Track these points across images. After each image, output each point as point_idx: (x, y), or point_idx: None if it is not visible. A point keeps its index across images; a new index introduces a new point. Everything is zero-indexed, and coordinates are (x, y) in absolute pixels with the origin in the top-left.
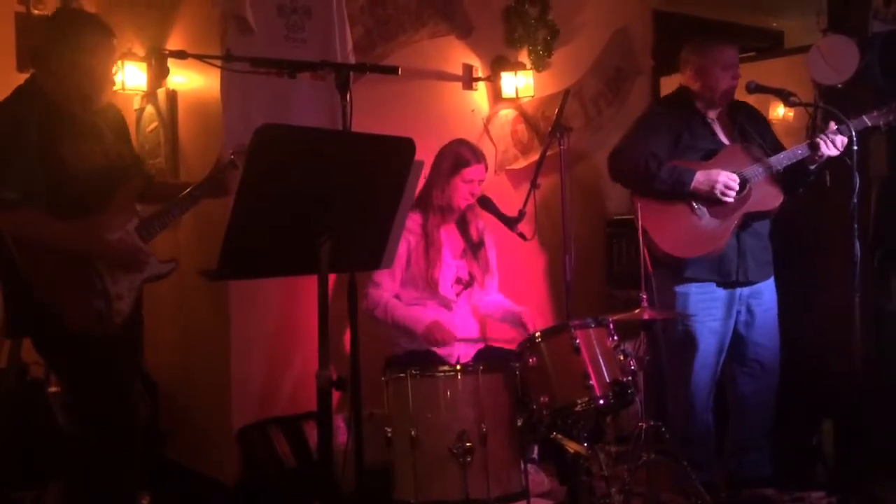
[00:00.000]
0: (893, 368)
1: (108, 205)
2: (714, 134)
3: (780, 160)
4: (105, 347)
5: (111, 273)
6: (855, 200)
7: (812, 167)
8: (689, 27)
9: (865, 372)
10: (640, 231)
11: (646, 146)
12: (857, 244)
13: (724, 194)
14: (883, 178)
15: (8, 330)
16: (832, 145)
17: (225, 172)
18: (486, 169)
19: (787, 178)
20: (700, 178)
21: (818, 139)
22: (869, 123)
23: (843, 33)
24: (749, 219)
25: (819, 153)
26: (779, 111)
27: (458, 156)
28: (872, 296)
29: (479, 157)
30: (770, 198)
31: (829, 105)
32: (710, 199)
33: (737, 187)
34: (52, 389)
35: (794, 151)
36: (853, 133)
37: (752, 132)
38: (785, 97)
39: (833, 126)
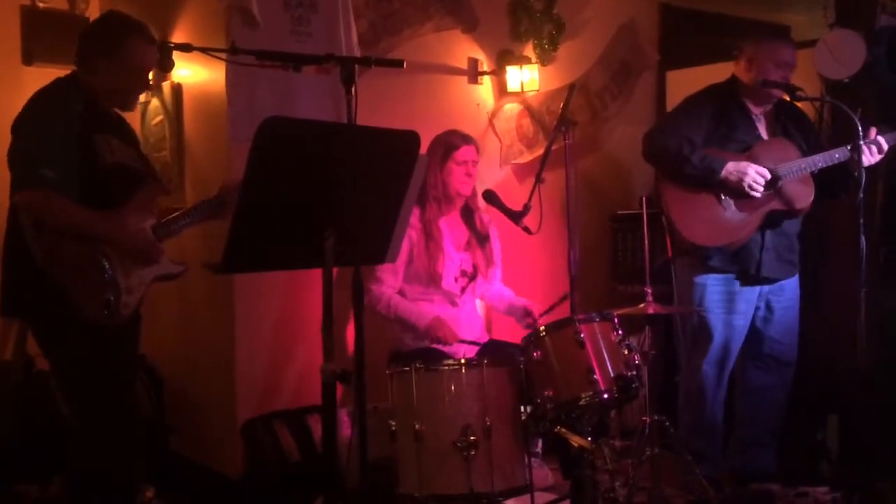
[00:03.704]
0: None
1: (130, 200)
2: (755, 129)
3: (815, 161)
4: (110, 339)
5: (123, 266)
6: (861, 196)
7: (855, 173)
8: (696, 21)
9: (870, 368)
10: (644, 221)
11: (682, 130)
12: (863, 240)
13: (751, 188)
14: (888, 175)
15: (6, 308)
16: (873, 152)
17: (229, 196)
18: (478, 150)
19: (828, 183)
20: (730, 167)
21: (858, 144)
22: None
23: (849, 27)
24: (777, 216)
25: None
26: (800, 109)
27: (447, 142)
28: (878, 292)
29: (467, 139)
30: (800, 198)
31: (835, 99)
32: (738, 192)
33: (764, 182)
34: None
35: (832, 154)
36: (860, 129)
37: (796, 133)
38: (791, 91)
39: (873, 132)
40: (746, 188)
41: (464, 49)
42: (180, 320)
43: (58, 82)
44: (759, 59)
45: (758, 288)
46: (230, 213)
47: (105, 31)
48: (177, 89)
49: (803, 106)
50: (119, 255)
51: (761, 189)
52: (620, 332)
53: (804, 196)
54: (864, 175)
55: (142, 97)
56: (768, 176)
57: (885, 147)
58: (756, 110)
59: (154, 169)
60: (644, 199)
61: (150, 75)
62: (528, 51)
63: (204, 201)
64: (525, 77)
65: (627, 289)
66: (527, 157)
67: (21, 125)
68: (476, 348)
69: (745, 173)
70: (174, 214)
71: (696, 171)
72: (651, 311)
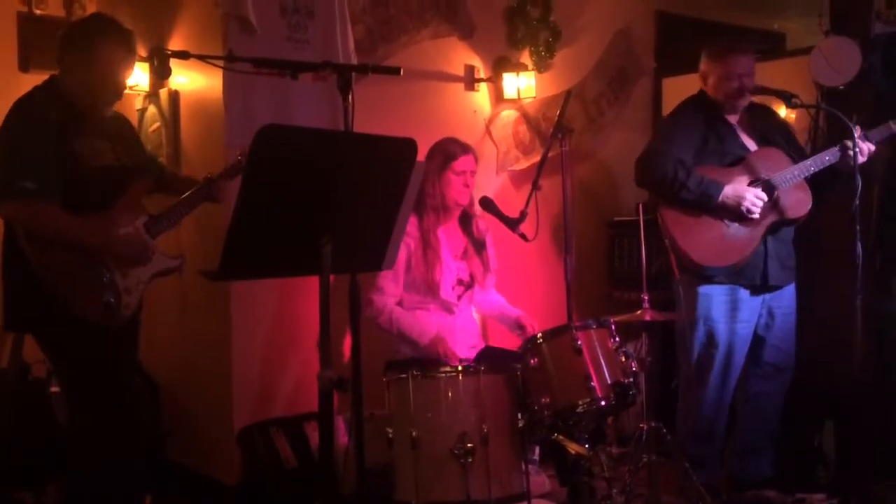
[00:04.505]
0: (894, 370)
1: (118, 201)
2: (737, 138)
3: (807, 166)
4: (110, 341)
5: (119, 267)
6: (857, 202)
7: (840, 174)
8: (692, 28)
9: (866, 374)
10: (642, 232)
11: (674, 152)
12: (859, 246)
13: (750, 211)
14: (884, 181)
15: (8, 323)
16: (859, 152)
17: (218, 182)
18: (476, 160)
19: (818, 185)
20: (728, 192)
21: (847, 143)
22: (895, 130)
23: (845, 35)
24: (776, 225)
25: (848, 158)
26: (781, 113)
27: (446, 151)
28: (874, 298)
29: (466, 148)
30: (798, 206)
31: (831, 107)
32: (737, 215)
33: (762, 204)
34: (54, 389)
35: (822, 157)
36: (855, 134)
37: (775, 136)
38: (787, 99)
39: (857, 131)
40: (745, 211)
41: (460, 56)
42: (177, 327)
43: (34, 91)
44: (711, 72)
45: (761, 296)
46: (221, 197)
47: (83, 29)
48: (174, 96)
49: (799, 113)
50: (113, 256)
51: (759, 211)
52: (617, 338)
53: (802, 203)
54: (860, 181)
55: (138, 104)
56: (765, 198)
57: (873, 147)
58: (732, 119)
59: (146, 162)
60: (640, 205)
61: (147, 82)
62: (525, 58)
63: (192, 191)
64: (521, 84)
65: (624, 295)
66: (523, 164)
67: (0, 138)
68: (474, 354)
69: (744, 197)
70: (166, 208)
71: (693, 196)
72: (648, 317)
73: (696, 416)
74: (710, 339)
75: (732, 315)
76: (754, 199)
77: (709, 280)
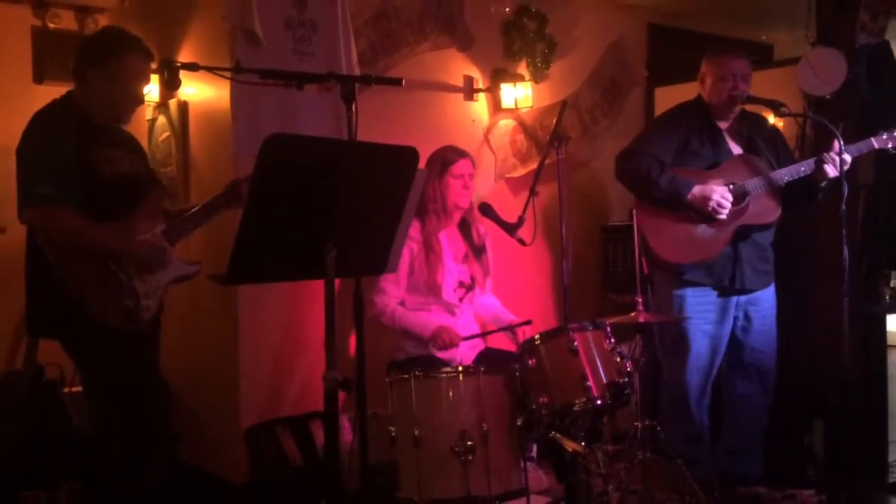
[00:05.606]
0: (881, 370)
1: (136, 210)
2: (724, 143)
3: (781, 175)
4: (133, 345)
5: (138, 273)
6: (844, 208)
7: (822, 184)
8: (682, 40)
9: (854, 374)
10: (636, 234)
11: (653, 150)
12: (846, 250)
13: (716, 211)
14: (870, 187)
15: (29, 328)
16: (835, 165)
17: (243, 184)
18: (474, 164)
19: (793, 194)
20: (696, 191)
21: (824, 157)
22: (876, 146)
23: (830, 46)
24: (746, 230)
25: (823, 171)
26: (769, 121)
27: (444, 157)
28: (861, 301)
29: (462, 153)
30: (767, 212)
31: (818, 115)
32: (704, 213)
33: (729, 205)
34: (67, 390)
35: (798, 168)
36: (842, 142)
37: (763, 144)
38: (776, 108)
39: (837, 146)
40: (711, 210)
41: (459, 67)
42: (186, 329)
43: (52, 103)
44: (708, 75)
45: (734, 298)
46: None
47: (101, 42)
48: (183, 107)
49: (787, 121)
50: (132, 262)
51: (726, 211)
52: (612, 339)
53: (771, 210)
54: (847, 188)
55: (149, 114)
56: (731, 199)
57: (848, 161)
58: (723, 124)
59: (156, 175)
60: (634, 210)
61: (157, 93)
62: (522, 69)
63: (216, 196)
64: (519, 94)
65: (619, 298)
66: (521, 172)
67: (20, 148)
68: (473, 356)
69: (711, 197)
70: (186, 215)
71: (663, 193)
72: (642, 319)
73: (681, 419)
74: (683, 339)
75: (704, 316)
76: (720, 200)
77: (681, 281)
